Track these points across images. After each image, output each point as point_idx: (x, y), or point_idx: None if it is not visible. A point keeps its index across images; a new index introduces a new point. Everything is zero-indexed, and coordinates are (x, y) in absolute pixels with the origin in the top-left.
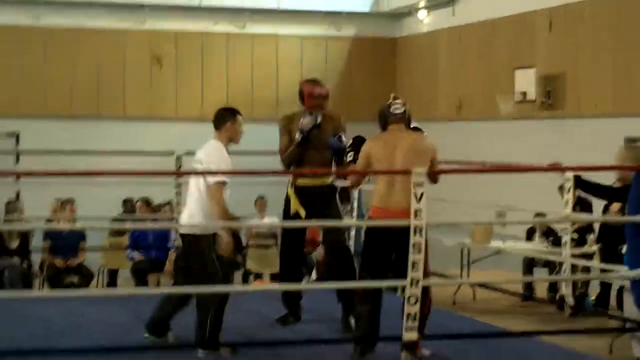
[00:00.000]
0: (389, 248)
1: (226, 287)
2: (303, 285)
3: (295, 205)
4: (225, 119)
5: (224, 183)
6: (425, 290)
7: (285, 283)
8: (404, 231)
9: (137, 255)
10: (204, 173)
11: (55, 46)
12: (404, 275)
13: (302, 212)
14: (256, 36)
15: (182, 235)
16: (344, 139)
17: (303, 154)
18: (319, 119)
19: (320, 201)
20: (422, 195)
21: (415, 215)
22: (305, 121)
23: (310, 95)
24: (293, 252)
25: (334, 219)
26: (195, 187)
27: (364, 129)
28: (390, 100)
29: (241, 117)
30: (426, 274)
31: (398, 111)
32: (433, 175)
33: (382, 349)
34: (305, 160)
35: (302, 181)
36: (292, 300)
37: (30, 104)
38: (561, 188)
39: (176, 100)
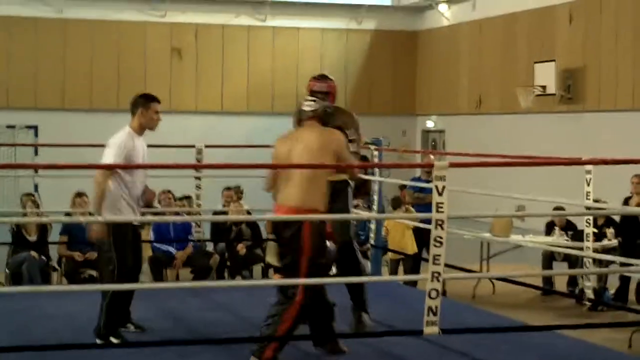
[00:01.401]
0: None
1: (247, 282)
2: (326, 280)
3: None
4: (137, 106)
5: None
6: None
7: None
8: (287, 230)
9: (168, 248)
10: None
11: (75, 38)
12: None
13: None
14: (277, 29)
15: None
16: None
17: None
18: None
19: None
20: (443, 188)
21: (437, 209)
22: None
23: (310, 91)
24: None
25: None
26: None
27: (384, 122)
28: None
29: (157, 104)
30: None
31: (308, 109)
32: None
33: (404, 341)
34: None
35: None
36: None
37: (50, 97)
38: None
39: (196, 93)
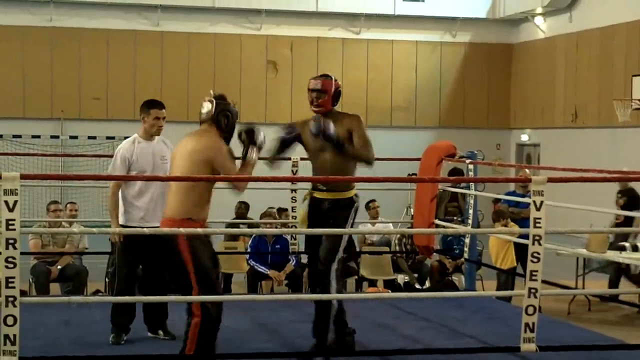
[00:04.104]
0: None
1: (340, 295)
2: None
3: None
4: (141, 112)
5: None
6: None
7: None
8: (157, 242)
9: (264, 269)
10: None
11: (172, 51)
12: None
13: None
14: (371, 41)
15: None
16: (329, 128)
17: (311, 160)
18: (320, 127)
19: (326, 216)
20: (541, 204)
21: (535, 224)
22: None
23: (308, 89)
24: (310, 264)
25: (330, 237)
26: None
27: (478, 135)
28: None
29: (157, 110)
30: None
31: (202, 110)
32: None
33: (500, 358)
34: (314, 166)
35: (314, 193)
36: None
37: None
38: None
39: (291, 106)
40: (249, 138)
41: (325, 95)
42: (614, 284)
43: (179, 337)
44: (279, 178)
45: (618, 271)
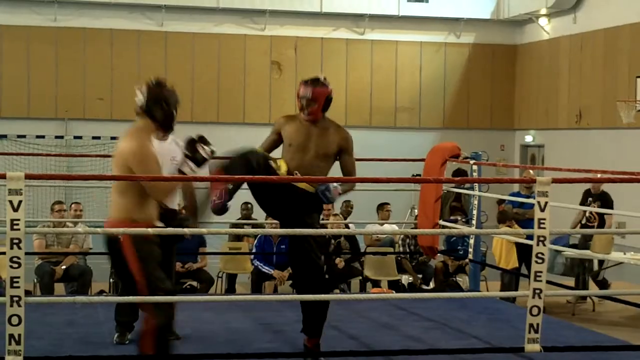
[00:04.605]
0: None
1: (345, 295)
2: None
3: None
4: None
5: None
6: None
7: None
8: (109, 248)
9: (268, 269)
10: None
11: (176, 51)
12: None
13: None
14: (375, 42)
15: None
16: (331, 193)
17: (289, 151)
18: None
19: (294, 204)
20: (546, 204)
21: (539, 225)
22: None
23: (297, 95)
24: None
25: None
26: None
27: (482, 136)
28: None
29: None
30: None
31: (137, 100)
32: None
33: (504, 358)
34: (291, 156)
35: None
36: None
37: None
38: None
39: (295, 107)
40: (189, 151)
41: (315, 104)
42: (582, 285)
43: (184, 337)
44: (282, 179)
45: (584, 273)
